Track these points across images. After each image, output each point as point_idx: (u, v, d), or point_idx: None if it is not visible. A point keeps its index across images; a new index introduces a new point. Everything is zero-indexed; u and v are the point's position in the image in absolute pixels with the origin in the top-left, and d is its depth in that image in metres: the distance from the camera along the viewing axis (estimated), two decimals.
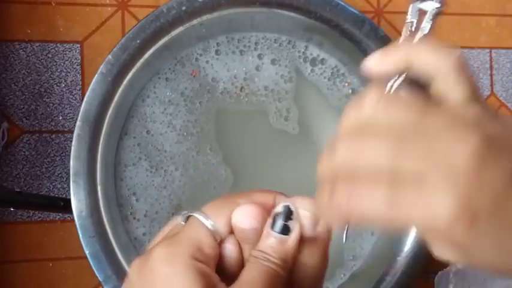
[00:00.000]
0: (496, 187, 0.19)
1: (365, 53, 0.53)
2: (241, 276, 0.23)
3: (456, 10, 0.67)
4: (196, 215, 0.24)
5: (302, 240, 0.24)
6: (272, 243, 0.23)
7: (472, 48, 0.67)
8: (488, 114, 0.21)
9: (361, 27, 0.52)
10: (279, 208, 0.24)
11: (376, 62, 0.25)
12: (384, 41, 0.52)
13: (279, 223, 0.23)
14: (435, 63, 0.23)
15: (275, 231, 0.23)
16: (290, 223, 0.23)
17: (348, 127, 0.22)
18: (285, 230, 0.23)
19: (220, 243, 0.24)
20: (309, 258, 0.24)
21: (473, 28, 0.67)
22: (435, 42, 0.24)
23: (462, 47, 0.67)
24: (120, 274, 0.47)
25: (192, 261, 0.22)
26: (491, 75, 0.67)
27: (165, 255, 0.22)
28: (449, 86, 0.23)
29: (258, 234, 0.24)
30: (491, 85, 0.67)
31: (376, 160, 0.20)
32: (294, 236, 0.23)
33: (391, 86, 0.24)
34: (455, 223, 0.19)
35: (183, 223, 0.25)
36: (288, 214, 0.24)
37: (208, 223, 0.23)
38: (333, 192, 0.21)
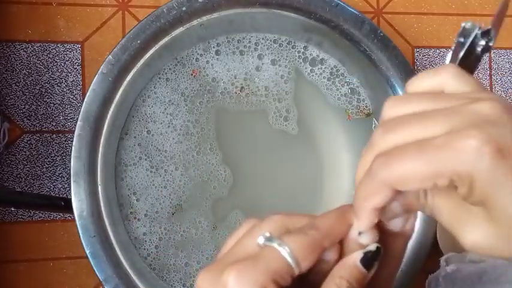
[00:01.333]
0: None
1: (364, 53, 0.53)
2: None
3: (456, 10, 0.67)
4: (279, 248, 0.24)
5: (389, 234, 0.26)
6: (358, 275, 0.25)
7: None
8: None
9: (361, 27, 0.52)
10: (373, 247, 0.25)
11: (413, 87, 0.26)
12: (383, 41, 0.52)
13: (370, 260, 0.25)
14: (437, 80, 0.25)
15: (363, 266, 0.25)
16: (375, 262, 0.25)
17: (379, 126, 0.24)
18: (370, 266, 0.25)
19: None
20: (393, 252, 0.26)
21: None
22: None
23: None
24: (121, 273, 0.47)
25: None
26: (490, 75, 0.67)
27: (239, 280, 0.23)
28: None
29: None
30: (491, 85, 0.67)
31: (409, 133, 0.22)
32: (372, 273, 0.25)
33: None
34: (482, 152, 0.20)
35: (261, 245, 0.24)
36: (378, 254, 0.25)
37: (292, 260, 0.24)
38: (370, 167, 0.23)
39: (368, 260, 0.25)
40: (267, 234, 0.24)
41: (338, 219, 0.26)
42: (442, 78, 0.24)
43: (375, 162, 0.22)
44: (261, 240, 0.24)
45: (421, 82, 0.25)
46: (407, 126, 0.22)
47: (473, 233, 0.23)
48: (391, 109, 0.24)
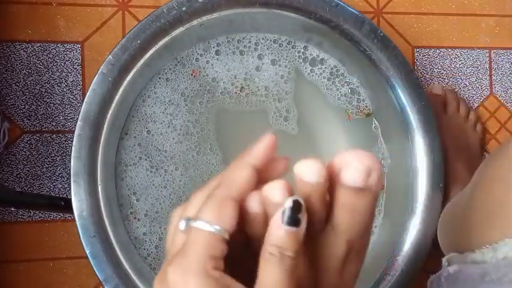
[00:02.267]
0: None
1: (364, 53, 0.53)
2: (262, 276, 0.24)
3: (456, 10, 0.67)
4: (197, 225, 0.24)
5: (354, 190, 0.25)
6: (285, 237, 0.24)
7: (472, 48, 0.67)
8: None
9: (361, 27, 0.52)
10: (289, 202, 0.24)
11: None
12: (383, 41, 0.52)
13: (291, 217, 0.24)
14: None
15: (287, 225, 0.24)
16: (300, 215, 0.24)
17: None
18: (296, 223, 0.24)
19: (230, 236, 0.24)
20: (362, 207, 0.25)
21: (473, 28, 0.67)
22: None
23: (462, 47, 0.67)
24: (121, 273, 0.47)
25: (206, 272, 0.23)
26: (490, 75, 0.67)
27: (179, 275, 0.23)
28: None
29: (321, 192, 0.25)
30: (491, 85, 0.67)
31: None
32: (303, 226, 0.24)
33: None
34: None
35: (184, 231, 0.25)
36: (299, 207, 0.24)
37: (213, 228, 0.24)
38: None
39: (290, 217, 0.24)
40: (185, 218, 0.25)
41: (236, 167, 0.26)
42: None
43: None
44: (182, 226, 0.25)
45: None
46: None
47: None
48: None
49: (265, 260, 0.24)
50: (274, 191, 0.25)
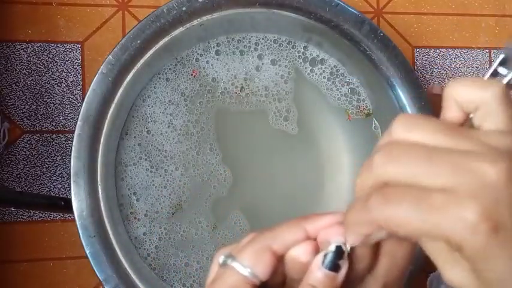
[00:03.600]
0: None
1: (364, 53, 0.53)
2: None
3: (456, 10, 0.67)
4: (232, 264, 0.25)
5: (398, 238, 0.25)
6: (323, 280, 0.24)
7: (472, 48, 0.67)
8: None
9: (361, 27, 0.52)
10: (332, 247, 0.25)
11: (444, 117, 0.25)
12: (383, 41, 0.52)
13: (332, 262, 0.25)
14: (479, 94, 0.23)
15: (327, 269, 0.24)
16: (340, 261, 0.25)
17: (381, 146, 0.23)
18: (336, 268, 0.25)
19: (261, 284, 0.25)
20: (402, 254, 0.26)
21: (473, 28, 0.67)
22: (475, 78, 0.24)
23: (462, 47, 0.67)
24: (121, 273, 0.47)
25: None
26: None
27: None
28: (487, 115, 0.23)
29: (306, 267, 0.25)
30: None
31: (410, 172, 0.21)
32: (343, 273, 0.25)
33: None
34: (477, 228, 0.19)
35: (220, 266, 0.26)
36: (340, 254, 0.25)
37: (246, 271, 0.25)
38: (366, 201, 0.22)
39: (330, 262, 0.25)
40: (224, 255, 0.26)
41: (289, 225, 0.26)
42: (485, 96, 0.23)
43: (372, 199, 0.22)
44: (220, 260, 0.26)
45: (463, 90, 0.24)
46: (412, 163, 0.22)
47: (453, 272, 0.23)
48: (403, 129, 0.23)
49: None
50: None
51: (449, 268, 0.23)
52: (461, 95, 0.24)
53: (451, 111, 0.24)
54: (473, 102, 0.23)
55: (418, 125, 0.22)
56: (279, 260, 0.25)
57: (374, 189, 0.22)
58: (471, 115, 0.24)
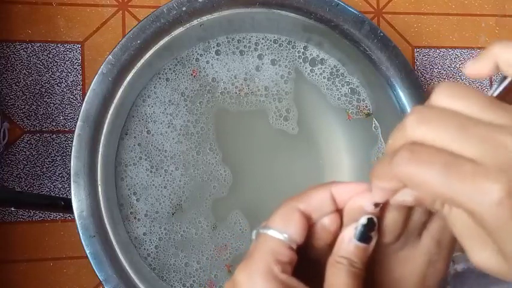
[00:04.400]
0: None
1: (364, 53, 0.53)
2: (329, 280, 0.25)
3: (456, 10, 0.67)
4: (264, 231, 0.25)
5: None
6: (355, 251, 0.25)
7: (472, 48, 0.67)
8: None
9: (361, 27, 0.52)
10: (364, 220, 0.25)
11: (471, 69, 0.25)
12: (383, 41, 0.52)
13: (363, 234, 0.25)
14: None
15: (359, 241, 0.25)
16: (372, 233, 0.25)
17: (417, 111, 0.23)
18: (367, 239, 0.25)
19: (297, 248, 0.25)
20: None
21: (473, 28, 0.67)
22: None
23: (462, 47, 0.67)
24: (121, 273, 0.47)
25: (270, 272, 0.24)
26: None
27: (245, 275, 0.24)
28: None
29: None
30: (491, 85, 0.67)
31: (442, 137, 0.21)
32: (373, 244, 0.26)
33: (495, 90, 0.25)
34: (502, 205, 0.20)
35: (254, 239, 0.26)
36: (372, 226, 0.25)
37: (279, 234, 0.25)
38: (394, 155, 0.22)
39: (362, 234, 0.25)
40: (255, 230, 0.26)
41: (315, 187, 0.27)
42: None
43: (400, 154, 0.22)
44: (253, 236, 0.26)
45: (506, 50, 0.24)
46: (444, 128, 0.22)
47: (482, 254, 0.23)
48: (443, 96, 0.23)
49: (333, 267, 0.25)
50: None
51: (478, 251, 0.23)
52: (506, 55, 0.24)
53: (483, 64, 0.24)
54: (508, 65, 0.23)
55: (458, 94, 0.22)
56: (309, 222, 0.26)
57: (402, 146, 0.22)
58: (509, 79, 0.24)
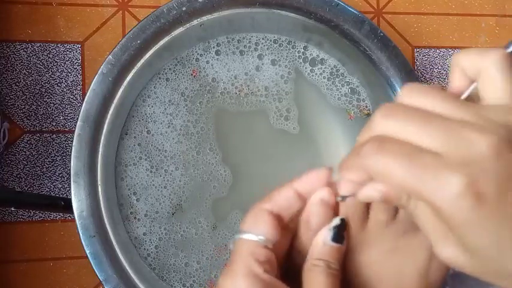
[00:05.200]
0: (503, 177, 0.20)
1: (364, 53, 0.53)
2: (308, 282, 0.26)
3: (456, 10, 0.67)
4: (238, 236, 0.26)
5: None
6: (331, 252, 0.26)
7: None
8: None
9: (361, 27, 0.52)
10: (337, 221, 0.26)
11: (451, 88, 0.26)
12: (383, 41, 0.52)
13: (338, 234, 0.26)
14: (480, 62, 0.24)
15: (333, 242, 0.26)
16: (345, 233, 0.27)
17: (383, 107, 0.24)
18: (341, 240, 0.26)
19: (274, 247, 0.26)
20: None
21: (473, 28, 0.67)
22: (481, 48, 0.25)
23: (462, 47, 0.67)
24: (121, 273, 0.47)
25: (251, 272, 0.24)
26: None
27: (228, 279, 0.25)
28: (488, 81, 0.24)
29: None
30: None
31: (406, 131, 0.22)
32: (346, 243, 0.27)
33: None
34: (461, 198, 0.20)
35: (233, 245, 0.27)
36: (345, 226, 0.26)
37: (251, 236, 0.26)
38: (361, 147, 0.23)
39: (336, 234, 0.26)
40: (232, 238, 0.27)
41: (279, 187, 0.28)
42: (485, 61, 0.24)
43: (367, 145, 0.23)
44: (230, 247, 0.28)
45: (466, 56, 0.24)
46: (409, 121, 0.22)
47: (446, 249, 0.23)
48: (406, 95, 0.24)
49: (309, 271, 0.26)
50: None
51: (442, 245, 0.23)
52: (464, 60, 0.24)
53: (456, 79, 0.25)
54: (475, 67, 0.24)
55: (420, 92, 0.23)
56: (282, 222, 0.26)
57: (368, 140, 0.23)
58: (475, 84, 0.25)
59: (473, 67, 0.24)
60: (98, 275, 0.46)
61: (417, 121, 0.22)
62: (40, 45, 0.57)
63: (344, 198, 0.26)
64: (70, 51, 0.58)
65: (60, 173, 0.57)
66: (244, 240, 0.26)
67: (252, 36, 0.56)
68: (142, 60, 0.50)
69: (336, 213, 0.27)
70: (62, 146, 0.57)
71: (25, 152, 0.56)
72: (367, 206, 0.28)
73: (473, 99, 0.25)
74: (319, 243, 0.26)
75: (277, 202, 0.27)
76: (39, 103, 0.57)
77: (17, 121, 0.56)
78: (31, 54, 0.57)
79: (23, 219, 0.56)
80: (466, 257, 0.22)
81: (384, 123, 0.23)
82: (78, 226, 0.47)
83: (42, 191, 0.57)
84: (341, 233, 0.26)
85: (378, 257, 0.27)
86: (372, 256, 0.27)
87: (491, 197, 0.20)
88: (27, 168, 0.56)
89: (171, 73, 0.55)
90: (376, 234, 0.28)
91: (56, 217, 0.56)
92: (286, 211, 0.27)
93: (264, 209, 0.26)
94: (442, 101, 0.23)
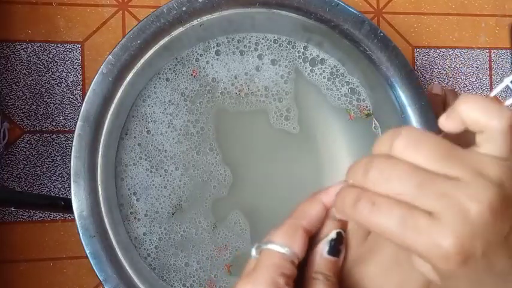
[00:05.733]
0: (492, 242, 0.22)
1: (364, 53, 0.53)
2: None
3: (456, 10, 0.67)
4: (268, 247, 0.26)
5: None
6: (329, 265, 0.27)
7: (472, 48, 0.67)
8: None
9: (361, 27, 0.52)
10: (333, 235, 0.27)
11: (442, 125, 0.26)
12: (383, 41, 0.52)
13: (334, 248, 0.27)
14: (486, 122, 0.24)
15: (330, 255, 0.27)
16: (341, 246, 0.27)
17: (379, 158, 0.25)
18: (337, 253, 0.27)
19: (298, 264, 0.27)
20: None
21: (473, 28, 0.67)
22: (489, 100, 0.25)
23: (462, 47, 0.67)
24: (121, 273, 0.47)
25: (275, 284, 0.25)
26: (490, 75, 0.67)
27: (248, 284, 0.25)
28: (489, 140, 0.24)
29: None
30: (491, 85, 0.67)
31: (402, 190, 0.23)
32: (343, 256, 0.28)
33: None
34: (450, 258, 0.22)
35: (257, 256, 0.27)
36: (341, 239, 0.27)
37: (284, 249, 0.26)
38: (359, 198, 0.24)
39: (332, 248, 0.27)
40: (255, 247, 0.27)
41: (308, 202, 0.28)
42: (492, 124, 0.24)
43: (362, 202, 0.24)
44: (253, 252, 0.27)
45: (473, 111, 0.24)
46: (404, 185, 0.23)
47: (424, 268, 0.24)
48: (403, 147, 0.24)
49: (310, 285, 0.26)
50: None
51: (420, 263, 0.24)
52: (470, 115, 0.25)
53: (452, 124, 0.25)
54: (479, 125, 0.24)
55: (418, 146, 0.24)
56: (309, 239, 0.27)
57: (364, 192, 0.24)
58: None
59: (477, 123, 0.24)
60: (98, 275, 0.46)
61: (412, 184, 0.23)
62: (40, 45, 0.57)
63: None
64: (70, 51, 0.58)
65: (60, 173, 0.57)
66: (273, 251, 0.26)
67: (252, 36, 0.56)
68: (142, 60, 0.50)
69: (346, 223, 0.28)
70: (62, 146, 0.57)
71: (25, 152, 0.56)
72: None
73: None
74: (317, 256, 0.27)
75: (311, 219, 0.28)
76: (39, 103, 0.57)
77: (17, 121, 0.56)
78: (31, 54, 0.57)
79: (23, 219, 0.56)
80: (439, 281, 0.24)
81: (379, 185, 0.24)
82: (78, 226, 0.47)
83: (42, 191, 0.57)
84: (337, 247, 0.27)
85: (380, 269, 0.28)
86: (374, 269, 0.28)
87: (478, 258, 0.22)
88: (27, 168, 0.56)
89: (171, 73, 0.55)
90: (378, 247, 0.28)
91: (56, 217, 0.56)
92: (315, 227, 0.28)
93: (302, 227, 0.27)
94: (437, 156, 0.23)
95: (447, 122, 0.25)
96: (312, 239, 0.28)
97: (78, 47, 0.58)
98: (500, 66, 0.67)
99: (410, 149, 0.24)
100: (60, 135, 0.57)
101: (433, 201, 0.22)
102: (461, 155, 0.23)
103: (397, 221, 0.23)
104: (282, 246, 0.26)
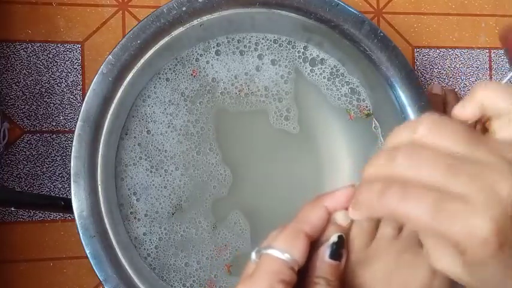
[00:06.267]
0: None
1: (364, 53, 0.53)
2: None
3: (456, 10, 0.67)
4: (268, 252, 0.26)
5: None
6: (330, 269, 0.26)
7: (472, 48, 0.67)
8: None
9: (361, 27, 0.52)
10: (335, 238, 0.27)
11: (460, 113, 0.26)
12: (383, 41, 0.52)
13: (335, 252, 0.27)
14: (507, 105, 0.24)
15: (332, 259, 0.27)
16: (343, 250, 0.27)
17: (404, 142, 0.24)
18: (339, 257, 0.27)
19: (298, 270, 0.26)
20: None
21: (473, 28, 0.67)
22: (507, 86, 0.25)
23: (462, 47, 0.67)
24: (121, 273, 0.47)
25: None
26: (490, 75, 0.67)
27: None
28: (508, 124, 0.24)
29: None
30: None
31: (432, 176, 0.22)
32: (344, 260, 0.27)
33: None
34: (486, 245, 0.21)
35: (257, 260, 0.27)
36: (342, 243, 0.27)
37: (284, 255, 0.26)
38: (389, 186, 0.23)
39: (334, 252, 0.27)
40: (255, 251, 0.27)
41: (311, 206, 0.28)
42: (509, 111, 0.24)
43: (391, 191, 0.23)
44: (253, 256, 0.27)
45: (493, 95, 0.24)
46: (433, 171, 0.22)
47: (445, 261, 0.24)
48: (427, 132, 0.24)
49: None
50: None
51: (440, 257, 0.24)
52: (490, 99, 0.24)
53: (470, 110, 0.25)
54: (499, 109, 0.24)
55: (442, 130, 0.23)
56: (311, 243, 0.27)
57: (391, 181, 0.23)
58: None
59: (497, 107, 0.24)
60: (98, 275, 0.46)
61: (441, 168, 0.22)
62: (40, 45, 0.57)
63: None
64: (70, 51, 0.58)
65: (60, 173, 0.57)
66: (273, 257, 0.26)
67: (252, 36, 0.56)
68: (142, 60, 0.50)
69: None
70: (62, 146, 0.57)
71: (25, 152, 0.56)
72: (377, 223, 0.28)
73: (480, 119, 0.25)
74: (318, 260, 0.27)
75: (314, 224, 0.27)
76: (39, 103, 0.57)
77: (17, 121, 0.56)
78: (31, 54, 0.57)
79: (23, 219, 0.56)
80: (464, 272, 0.23)
81: (407, 170, 0.23)
82: (78, 226, 0.47)
83: (42, 191, 0.57)
84: (339, 251, 0.27)
85: (382, 273, 0.27)
86: (376, 272, 0.27)
87: (511, 241, 0.21)
88: (27, 168, 0.56)
89: (171, 73, 0.55)
90: (381, 251, 0.28)
91: (56, 217, 0.56)
92: (317, 232, 0.27)
93: (303, 232, 0.27)
94: (464, 140, 0.23)
95: (464, 109, 0.25)
96: (313, 243, 0.27)
97: (78, 47, 0.58)
98: (500, 66, 0.67)
99: (435, 133, 0.23)
100: (60, 135, 0.57)
101: (465, 184, 0.22)
102: (483, 139, 0.23)
103: (430, 207, 0.22)
104: (282, 252, 0.25)
